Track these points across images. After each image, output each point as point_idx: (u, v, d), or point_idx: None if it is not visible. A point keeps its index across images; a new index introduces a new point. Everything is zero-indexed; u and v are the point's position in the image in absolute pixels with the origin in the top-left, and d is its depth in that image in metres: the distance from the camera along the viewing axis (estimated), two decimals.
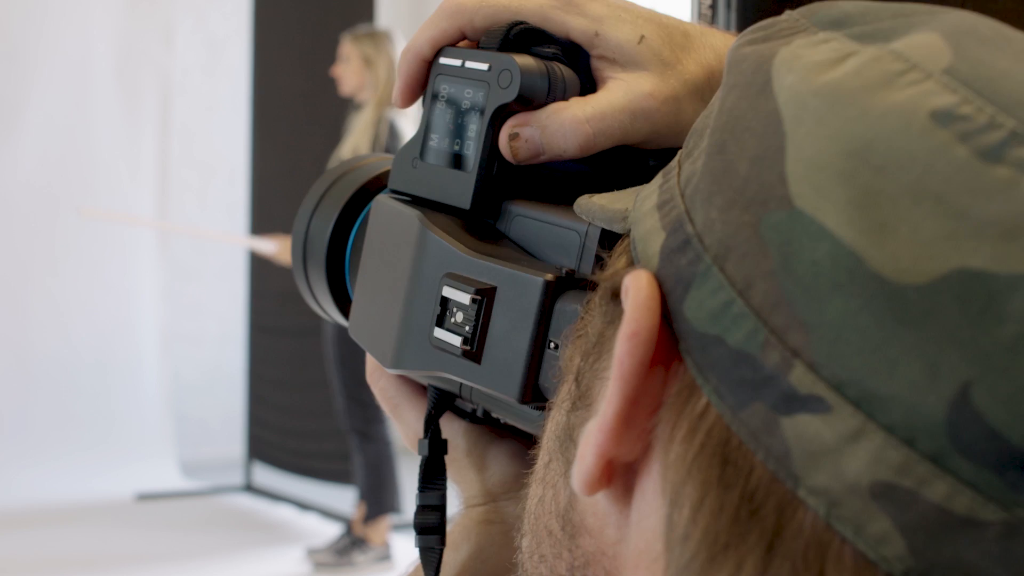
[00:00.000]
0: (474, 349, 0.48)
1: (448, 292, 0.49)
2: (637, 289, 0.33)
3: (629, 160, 0.53)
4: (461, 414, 0.59)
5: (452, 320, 0.49)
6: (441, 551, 0.55)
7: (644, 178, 0.53)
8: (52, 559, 4.15)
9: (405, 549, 4.23)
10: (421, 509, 0.56)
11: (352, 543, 4.12)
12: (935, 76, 0.30)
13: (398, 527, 4.34)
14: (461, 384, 0.53)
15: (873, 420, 0.28)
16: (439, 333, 0.50)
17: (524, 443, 0.58)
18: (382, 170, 0.62)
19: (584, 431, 0.34)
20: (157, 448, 5.55)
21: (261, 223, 5.24)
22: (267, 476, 5.19)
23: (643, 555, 0.34)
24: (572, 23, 0.52)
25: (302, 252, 0.63)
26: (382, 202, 0.56)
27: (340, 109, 4.31)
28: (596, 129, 0.50)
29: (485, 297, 0.48)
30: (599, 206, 0.43)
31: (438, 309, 0.50)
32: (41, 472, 5.14)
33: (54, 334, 5.41)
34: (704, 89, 0.52)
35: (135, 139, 5.67)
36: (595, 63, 0.52)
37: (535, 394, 0.47)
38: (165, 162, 5.80)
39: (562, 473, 0.38)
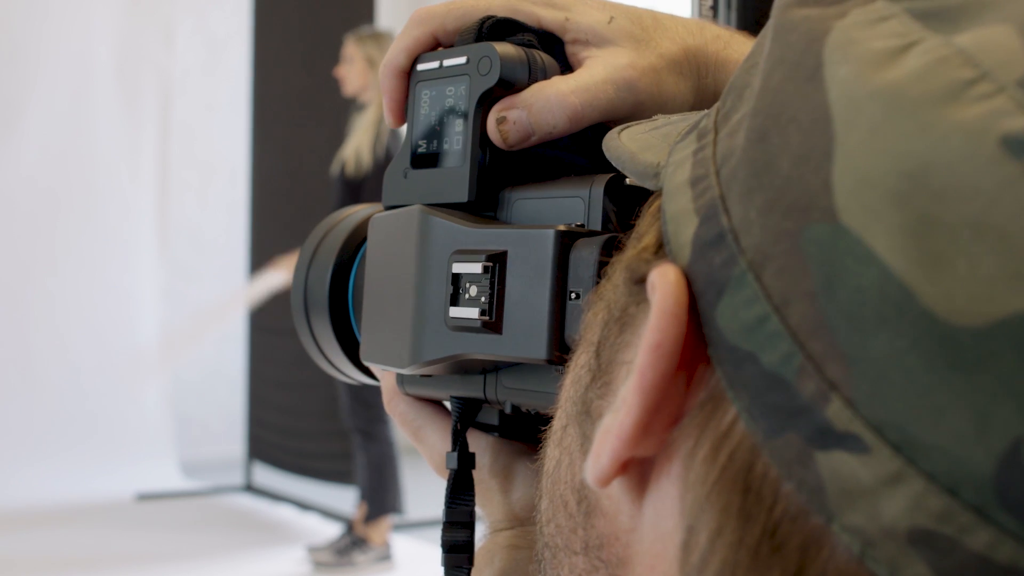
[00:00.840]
0: (493, 318, 0.47)
1: (458, 267, 0.48)
2: (664, 293, 0.31)
3: None
4: (485, 430, 0.57)
5: (467, 296, 0.48)
6: (469, 571, 0.54)
7: None
8: (52, 559, 4.15)
9: (405, 549, 4.24)
10: (448, 526, 0.54)
11: (353, 543, 4.12)
12: (1008, 90, 0.26)
13: (399, 527, 4.34)
14: (485, 383, 0.52)
15: (914, 466, 0.26)
16: (455, 312, 0.48)
17: None
18: (374, 211, 0.61)
19: (601, 425, 0.33)
20: (157, 448, 5.55)
21: (261, 223, 5.24)
22: (267, 476, 5.19)
23: (657, 560, 0.33)
24: (542, 12, 0.52)
25: (303, 304, 0.61)
26: (378, 218, 0.55)
27: (340, 109, 4.31)
28: (582, 100, 0.50)
29: (497, 262, 0.47)
30: (629, 153, 0.40)
31: (451, 289, 0.48)
32: (41, 472, 5.14)
33: (54, 334, 5.41)
34: (682, 63, 0.52)
35: (135, 139, 5.67)
36: (570, 48, 0.53)
37: (562, 348, 0.45)
38: (165, 162, 5.80)
39: (578, 445, 0.37)
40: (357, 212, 0.63)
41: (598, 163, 0.51)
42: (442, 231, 0.50)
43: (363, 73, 4.07)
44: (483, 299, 0.47)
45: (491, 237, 0.48)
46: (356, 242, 0.60)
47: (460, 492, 0.54)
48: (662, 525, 0.33)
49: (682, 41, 0.53)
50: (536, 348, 0.46)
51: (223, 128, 6.05)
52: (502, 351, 0.47)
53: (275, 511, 4.97)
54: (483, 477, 0.56)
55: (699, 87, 0.53)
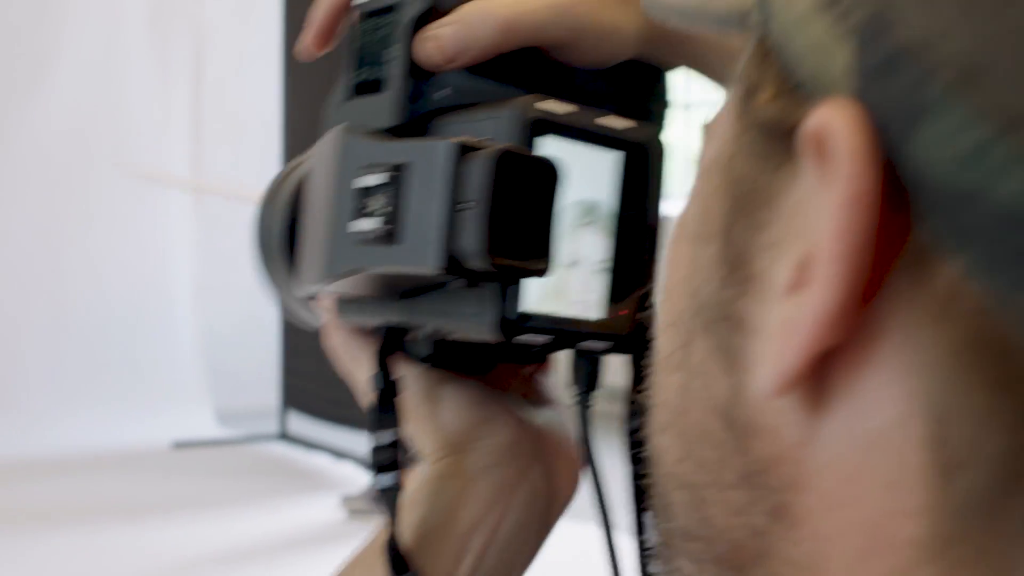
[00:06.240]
0: (393, 228, 0.47)
1: (364, 180, 0.48)
2: (850, 132, 0.24)
3: (642, 76, 0.54)
4: (417, 360, 0.58)
5: (370, 208, 0.48)
6: (398, 490, 0.54)
7: (658, 89, 0.53)
8: (89, 507, 4.18)
9: None
10: (376, 450, 0.55)
11: None
12: None
13: None
14: (409, 309, 0.53)
15: None
16: (359, 224, 0.49)
17: (481, 385, 0.57)
18: None
19: (778, 321, 0.27)
20: (193, 397, 5.58)
21: None
22: (302, 424, 5.21)
23: (860, 472, 0.26)
24: None
25: (260, 246, 0.63)
26: (316, 145, 0.56)
27: None
28: (514, 12, 0.49)
29: (399, 173, 0.47)
30: (696, 0, 0.32)
31: (355, 203, 0.49)
32: (78, 421, 5.18)
33: (88, 286, 5.43)
34: None
35: (167, 91, 5.67)
36: None
37: (451, 260, 0.45)
38: (197, 114, 5.79)
39: (717, 359, 0.30)
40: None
41: (531, 91, 0.52)
42: (356, 147, 0.50)
43: None
44: (385, 212, 0.47)
45: (396, 151, 0.48)
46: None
47: (383, 414, 0.55)
48: (861, 426, 0.26)
49: None
50: (427, 258, 0.45)
51: (256, 79, 6.03)
52: (399, 261, 0.47)
53: (310, 459, 4.99)
54: (412, 404, 0.57)
55: (649, 19, 0.52)
